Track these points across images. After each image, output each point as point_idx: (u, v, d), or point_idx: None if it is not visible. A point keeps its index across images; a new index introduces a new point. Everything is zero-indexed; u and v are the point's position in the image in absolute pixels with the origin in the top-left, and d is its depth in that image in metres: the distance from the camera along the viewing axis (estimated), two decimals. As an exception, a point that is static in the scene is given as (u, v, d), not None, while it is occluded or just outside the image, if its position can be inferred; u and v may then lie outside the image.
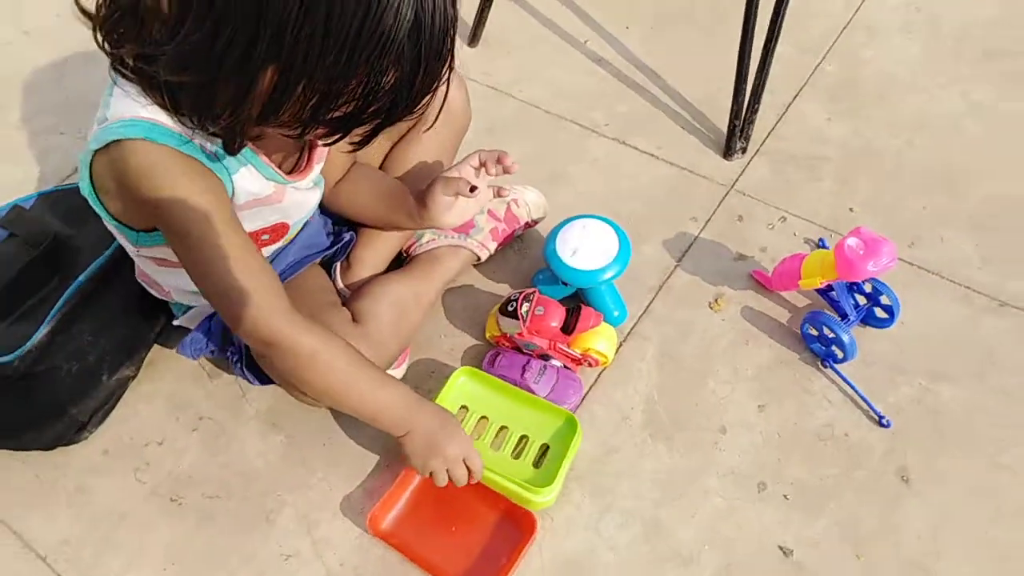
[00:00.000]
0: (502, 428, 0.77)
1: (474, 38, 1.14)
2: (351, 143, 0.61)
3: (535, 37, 1.16)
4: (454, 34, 0.56)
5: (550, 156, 1.00)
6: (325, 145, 0.65)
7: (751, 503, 0.73)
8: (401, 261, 0.87)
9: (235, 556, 0.73)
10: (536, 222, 0.91)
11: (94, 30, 0.59)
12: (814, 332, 0.81)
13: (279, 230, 0.75)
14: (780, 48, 0.97)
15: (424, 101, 0.58)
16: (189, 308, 0.81)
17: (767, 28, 0.94)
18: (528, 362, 0.79)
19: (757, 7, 0.92)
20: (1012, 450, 0.75)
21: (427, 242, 0.86)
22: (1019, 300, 0.84)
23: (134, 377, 0.83)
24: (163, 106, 0.60)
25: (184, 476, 0.78)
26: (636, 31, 1.15)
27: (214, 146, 0.63)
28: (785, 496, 0.74)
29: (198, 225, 0.62)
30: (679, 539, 0.72)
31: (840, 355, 0.79)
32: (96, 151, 0.61)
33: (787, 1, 0.92)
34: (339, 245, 0.83)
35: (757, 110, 0.99)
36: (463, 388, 0.79)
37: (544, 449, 0.75)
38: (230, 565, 0.72)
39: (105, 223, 0.69)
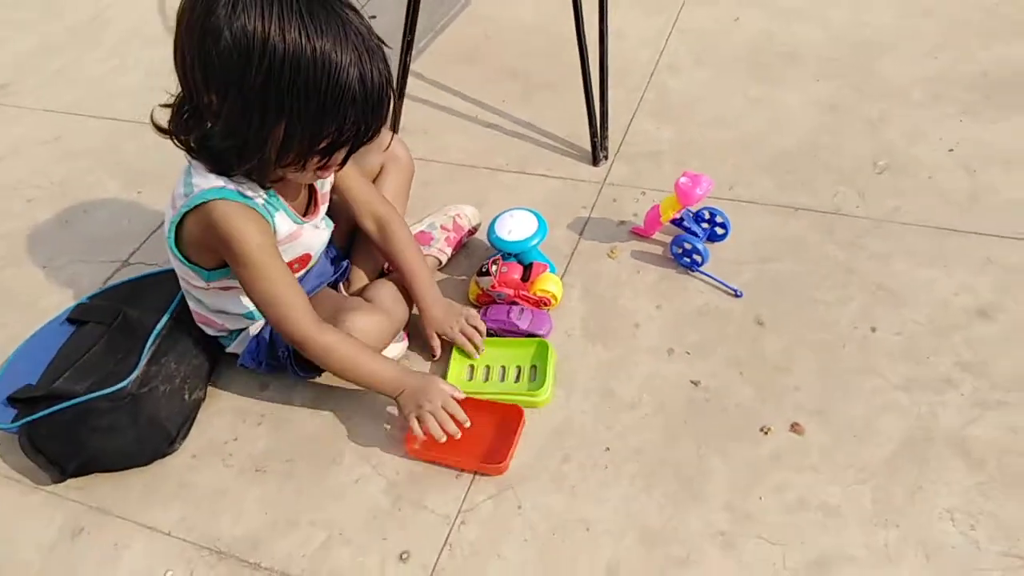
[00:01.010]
0: (502, 366, 1.07)
1: (395, 128, 1.51)
2: (339, 165, 0.92)
3: (439, 120, 1.54)
4: (390, 83, 0.87)
5: (472, 191, 1.35)
6: (320, 176, 0.94)
7: (665, 363, 1.06)
8: (381, 275, 1.19)
9: (317, 491, 0.98)
10: (475, 229, 1.26)
11: (170, 135, 0.92)
12: (679, 250, 1.17)
13: (304, 260, 1.05)
14: (613, 92, 1.39)
15: (377, 130, 0.89)
16: (236, 338, 1.09)
17: (598, 82, 1.36)
18: (510, 307, 1.11)
19: (589, 71, 1.33)
20: (822, 293, 1.11)
21: (401, 257, 1.19)
22: (806, 207, 1.24)
23: (203, 399, 1.09)
24: (219, 171, 0.91)
25: (261, 455, 1.03)
26: (511, 102, 1.56)
27: (262, 200, 0.94)
28: (687, 352, 1.07)
29: (256, 255, 0.92)
30: (625, 395, 1.03)
31: (700, 260, 1.15)
32: (186, 212, 0.92)
33: (606, 63, 1.35)
34: (339, 272, 1.15)
35: (607, 131, 1.39)
36: (465, 353, 1.09)
37: (534, 368, 1.06)
38: (315, 497, 0.98)
39: (181, 269, 0.99)
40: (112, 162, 1.57)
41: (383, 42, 0.87)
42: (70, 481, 1.02)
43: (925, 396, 0.98)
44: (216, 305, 1.05)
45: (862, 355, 1.03)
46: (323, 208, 1.06)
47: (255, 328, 1.07)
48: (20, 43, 2.00)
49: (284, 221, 0.98)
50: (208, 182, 0.91)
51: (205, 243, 0.95)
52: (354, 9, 0.85)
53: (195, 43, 0.82)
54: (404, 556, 0.92)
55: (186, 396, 1.04)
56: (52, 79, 1.86)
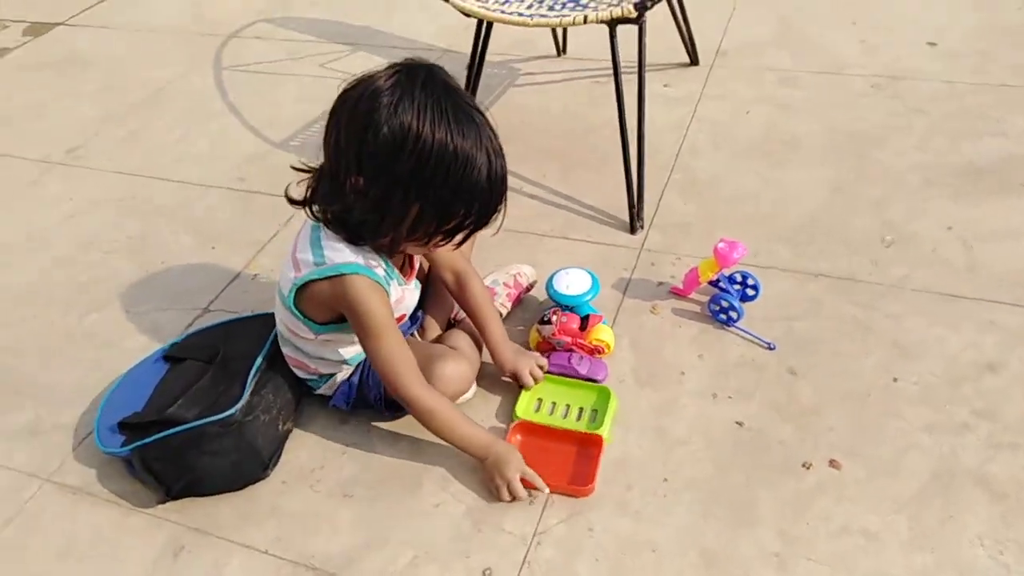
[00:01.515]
0: (567, 405, 1.19)
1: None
2: (455, 245, 1.05)
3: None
4: (506, 179, 1.03)
5: (524, 254, 1.49)
6: (439, 247, 1.06)
7: (711, 405, 1.18)
8: (450, 325, 1.31)
9: (402, 514, 1.07)
10: (532, 286, 1.40)
11: (305, 208, 1.05)
12: (717, 307, 1.31)
13: (400, 320, 1.17)
14: (646, 170, 1.57)
15: (495, 217, 1.04)
16: (325, 382, 1.19)
17: (636, 159, 1.54)
18: (570, 354, 1.23)
19: (629, 151, 1.51)
20: (844, 347, 1.25)
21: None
22: (824, 272, 1.39)
23: (291, 431, 1.18)
24: (351, 240, 1.03)
25: (347, 481, 1.12)
26: (550, 178, 1.73)
27: (382, 271, 1.07)
28: (729, 397, 1.19)
29: (382, 326, 1.04)
30: (677, 433, 1.15)
31: (736, 316, 1.29)
32: (316, 279, 1.03)
33: (643, 145, 1.53)
34: (415, 323, 1.27)
35: (643, 204, 1.56)
36: (535, 389, 1.21)
37: (594, 411, 1.18)
38: (400, 518, 1.07)
39: (292, 321, 1.11)
40: (184, 220, 1.70)
41: (500, 143, 1.02)
42: (168, 505, 1.10)
43: (946, 438, 1.11)
44: (316, 353, 1.16)
45: (886, 402, 1.17)
46: (416, 271, 1.19)
47: (344, 374, 1.18)
48: (86, 111, 2.16)
49: (395, 288, 1.11)
50: (341, 256, 1.03)
51: (330, 306, 1.07)
52: (484, 115, 1.00)
53: (355, 131, 0.95)
54: (487, 572, 1.00)
55: (280, 426, 1.14)
56: (120, 144, 2.00)
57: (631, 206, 1.54)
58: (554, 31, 2.12)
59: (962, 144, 1.67)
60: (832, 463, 1.09)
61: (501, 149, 1.01)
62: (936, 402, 1.16)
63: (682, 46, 2.03)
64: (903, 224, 1.49)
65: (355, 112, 0.95)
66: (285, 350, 1.18)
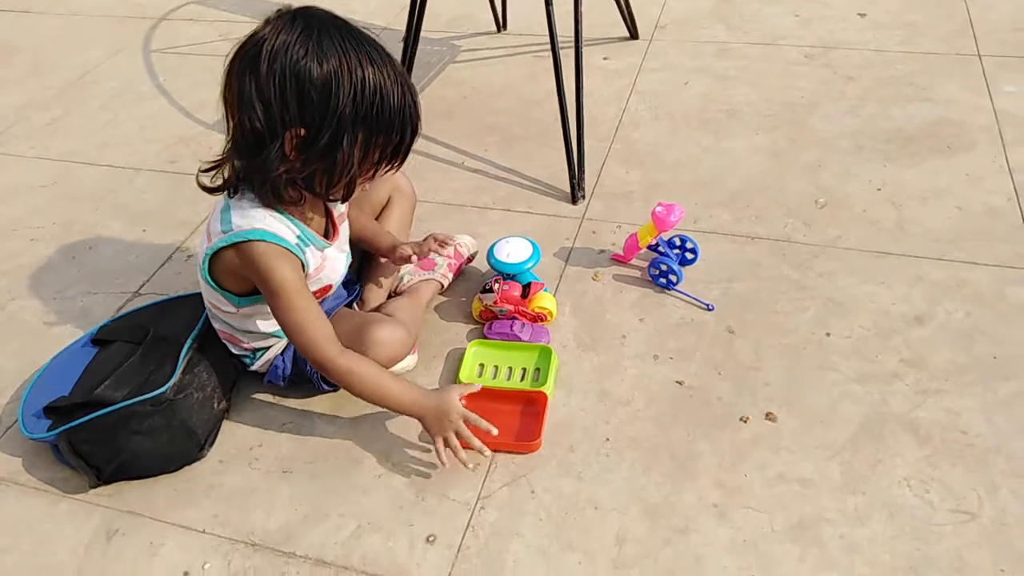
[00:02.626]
0: (510, 368, 1.19)
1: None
2: (399, 165, 1.04)
3: (427, 165, 1.68)
4: (417, 103, 1.01)
5: (466, 227, 1.48)
6: (388, 173, 1.06)
7: (652, 366, 1.19)
8: (391, 297, 1.29)
9: (343, 487, 1.06)
10: (473, 257, 1.39)
11: (226, 192, 1.02)
12: (656, 271, 1.32)
13: (326, 290, 1.15)
14: (587, 142, 1.57)
15: (410, 147, 1.03)
16: (259, 357, 1.16)
17: (575, 131, 1.54)
18: (512, 322, 1.23)
19: (568, 122, 1.51)
20: (781, 305, 1.28)
21: (407, 281, 1.30)
22: (761, 236, 1.42)
23: (227, 410, 1.15)
24: (272, 205, 1.01)
25: (286, 457, 1.10)
26: (492, 151, 1.72)
27: (295, 239, 1.04)
28: (670, 357, 1.21)
29: (288, 289, 1.01)
30: (619, 394, 1.15)
31: (675, 280, 1.30)
32: (225, 246, 1.00)
33: (583, 116, 1.53)
34: (353, 295, 1.25)
35: (584, 174, 1.56)
36: (477, 354, 1.21)
37: (537, 370, 1.18)
38: (341, 492, 1.05)
39: (212, 295, 1.09)
40: (112, 204, 1.64)
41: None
42: (99, 489, 1.07)
43: (876, 387, 1.14)
44: (243, 326, 1.13)
45: (820, 355, 1.19)
46: (343, 230, 1.17)
47: (278, 348, 1.16)
48: (9, 98, 2.07)
49: (313, 255, 1.08)
50: (248, 222, 1.00)
51: (242, 275, 1.04)
52: (387, 52, 0.99)
53: (285, 86, 0.92)
54: (431, 539, 0.99)
55: (215, 405, 1.11)
56: (44, 130, 1.92)
57: (572, 177, 1.54)
58: (493, 6, 2.11)
59: (891, 110, 1.71)
60: (768, 415, 1.11)
61: (410, 81, 1.02)
62: (867, 354, 1.19)
63: (622, 21, 2.04)
64: (836, 187, 1.52)
65: (272, 69, 0.92)
66: (216, 325, 1.15)
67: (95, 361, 1.13)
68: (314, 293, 1.09)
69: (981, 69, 1.80)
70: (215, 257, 1.04)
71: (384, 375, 1.08)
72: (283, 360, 1.15)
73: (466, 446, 1.05)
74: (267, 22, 0.95)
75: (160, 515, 1.04)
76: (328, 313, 1.15)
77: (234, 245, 1.01)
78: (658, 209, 1.28)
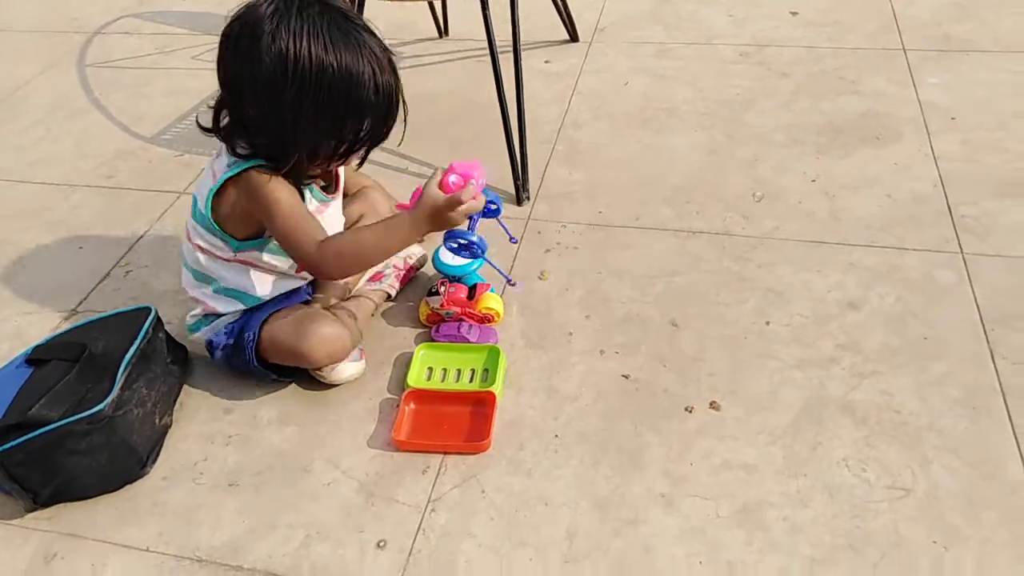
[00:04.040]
0: (458, 370, 1.19)
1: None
2: (358, 162, 1.11)
3: (373, 172, 1.66)
4: (399, 88, 1.05)
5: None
6: (341, 166, 1.11)
7: (599, 361, 1.21)
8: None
9: (291, 497, 1.05)
10: (421, 265, 1.39)
11: (217, 135, 1.05)
12: (455, 245, 1.12)
13: None
14: (530, 143, 1.58)
15: (390, 129, 1.07)
16: (209, 323, 1.18)
17: (518, 135, 1.55)
18: (459, 324, 1.23)
19: (510, 125, 1.52)
20: (722, 297, 1.30)
21: (358, 289, 1.30)
22: (701, 230, 1.45)
23: (170, 425, 1.13)
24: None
25: (232, 471, 1.09)
26: (438, 156, 1.72)
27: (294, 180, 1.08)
28: (616, 352, 1.22)
29: (286, 202, 1.05)
30: (567, 390, 1.17)
31: (479, 251, 1.12)
32: (228, 178, 1.04)
33: (524, 118, 1.55)
34: (309, 298, 1.24)
35: (528, 176, 1.58)
36: (425, 357, 1.21)
37: (485, 371, 1.18)
38: (289, 501, 1.04)
39: (210, 239, 1.11)
40: (47, 221, 1.60)
41: (392, 54, 1.05)
42: (37, 513, 1.04)
43: (815, 372, 1.17)
44: (226, 282, 1.15)
45: (761, 343, 1.22)
46: (341, 187, 1.20)
47: (231, 318, 1.17)
48: (-68, 117, 2.00)
49: (311, 200, 1.12)
50: (249, 156, 1.05)
51: (245, 209, 1.07)
52: (368, 30, 1.02)
53: (240, 63, 0.97)
54: (381, 544, 0.99)
55: (156, 420, 1.09)
56: (-29, 149, 1.86)
57: (516, 179, 1.55)
58: (434, 12, 2.12)
59: (822, 104, 1.77)
60: (712, 404, 1.14)
61: (390, 62, 1.03)
62: (806, 340, 1.22)
63: (562, 24, 2.06)
64: (772, 180, 1.56)
65: (238, 45, 0.98)
66: (189, 288, 1.19)
67: (29, 381, 1.09)
68: None
69: (906, 62, 1.87)
70: (219, 195, 1.07)
71: (367, 233, 1.09)
72: (226, 333, 1.16)
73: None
74: None
75: (102, 536, 1.01)
76: (286, 306, 1.18)
77: (237, 175, 1.04)
78: (451, 179, 1.09)
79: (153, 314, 1.17)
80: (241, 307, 1.17)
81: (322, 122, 1.00)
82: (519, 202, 1.55)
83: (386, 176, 1.65)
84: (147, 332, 1.13)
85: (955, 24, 2.00)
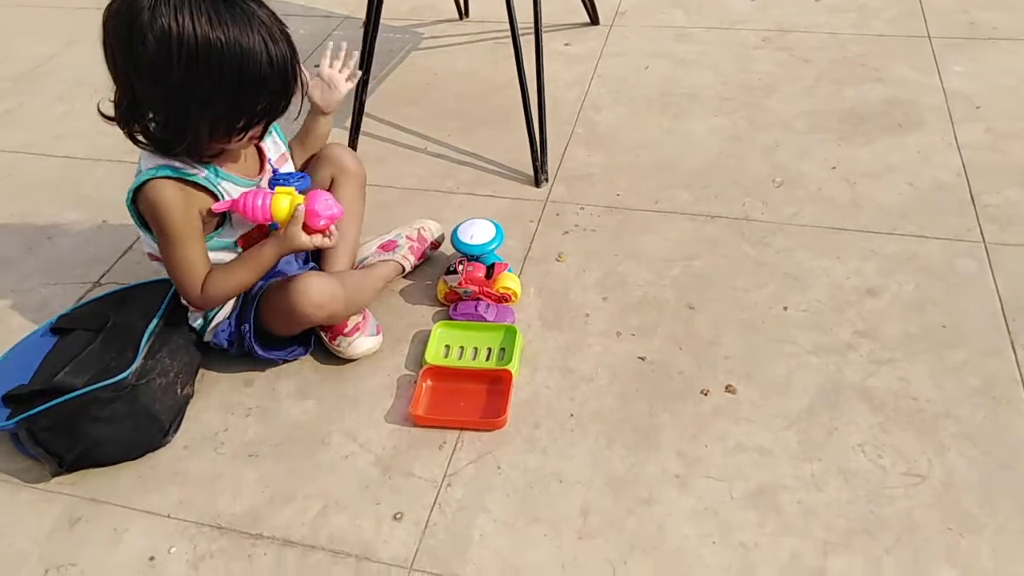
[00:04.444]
0: (475, 348, 1.20)
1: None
2: (258, 137, 1.08)
3: (391, 151, 1.68)
4: (293, 60, 1.01)
5: (428, 211, 1.48)
6: (251, 140, 1.07)
7: (615, 343, 1.21)
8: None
9: (309, 468, 1.06)
10: (438, 243, 1.39)
11: (117, 123, 1.03)
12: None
13: (262, 229, 1.14)
14: (550, 125, 1.58)
15: (288, 103, 1.03)
16: (208, 325, 1.17)
17: (537, 117, 1.55)
18: (477, 303, 1.24)
19: (530, 106, 1.52)
20: (739, 281, 1.30)
21: (367, 259, 1.30)
22: (720, 214, 1.44)
23: (192, 395, 1.15)
24: (163, 154, 1.03)
25: (252, 441, 1.10)
26: (455, 136, 1.72)
27: (204, 174, 1.05)
28: (632, 334, 1.23)
29: (173, 227, 1.05)
30: (583, 371, 1.17)
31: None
32: (134, 191, 1.04)
33: (544, 100, 1.54)
34: (308, 267, 1.25)
35: (547, 158, 1.57)
36: (443, 335, 1.22)
37: (502, 350, 1.19)
38: (307, 473, 1.06)
39: (152, 246, 1.10)
40: (70, 195, 1.62)
41: (285, 26, 1.01)
42: (61, 478, 1.06)
43: (831, 358, 1.17)
44: None
45: (778, 328, 1.22)
46: (265, 166, 1.17)
47: (226, 311, 1.17)
48: (-43, 91, 2.02)
49: (233, 188, 1.09)
50: (150, 163, 1.03)
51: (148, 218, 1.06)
52: (258, 2, 0.99)
53: (123, 46, 0.94)
54: (398, 516, 1.00)
55: (178, 391, 1.10)
56: (-3, 123, 1.88)
57: (535, 160, 1.55)
58: (455, -6, 2.11)
59: (845, 90, 1.75)
60: (728, 388, 1.14)
61: (282, 32, 1.00)
62: (823, 326, 1.22)
63: (583, 7, 2.05)
64: (792, 166, 1.55)
65: (118, 27, 0.94)
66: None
67: (54, 349, 1.12)
68: (251, 232, 1.12)
69: (931, 50, 1.85)
70: (133, 202, 1.07)
71: (229, 269, 1.10)
72: (229, 323, 1.16)
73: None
74: None
75: (124, 501, 1.03)
76: (277, 275, 1.17)
77: (139, 188, 1.04)
78: (322, 222, 1.09)
79: (174, 287, 1.18)
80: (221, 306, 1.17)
81: (216, 101, 0.96)
82: (537, 183, 1.55)
83: (405, 156, 1.66)
84: (169, 303, 1.15)
85: (981, 11, 1.97)
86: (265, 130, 1.08)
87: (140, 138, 1.03)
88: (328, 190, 1.29)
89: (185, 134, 1.00)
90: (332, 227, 1.10)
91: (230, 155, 1.10)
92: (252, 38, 0.95)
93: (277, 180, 1.12)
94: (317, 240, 1.09)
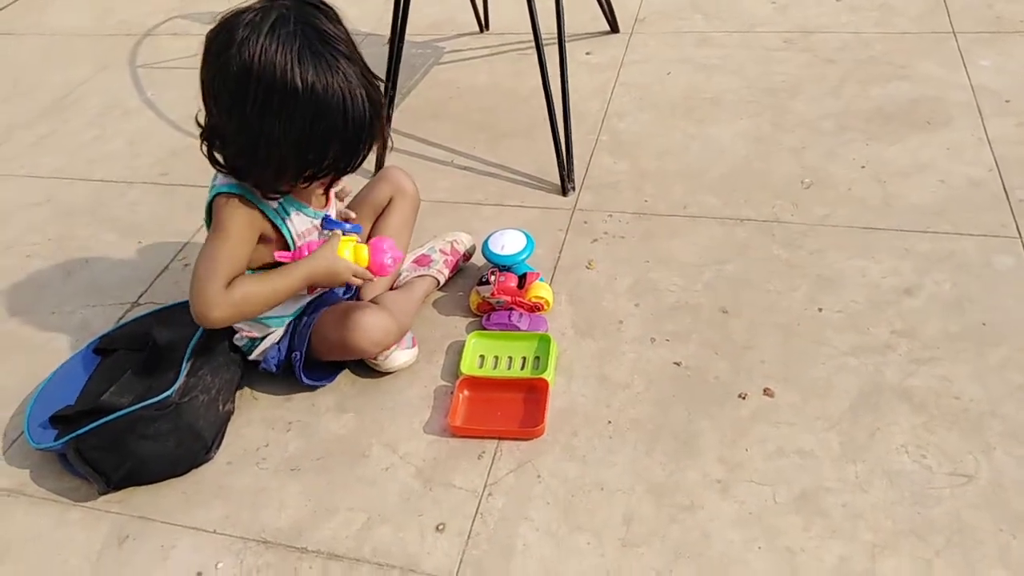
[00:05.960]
0: (510, 357, 1.20)
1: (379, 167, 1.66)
2: (323, 187, 1.09)
3: (418, 165, 1.70)
4: (373, 119, 0.99)
5: (460, 223, 1.49)
6: (320, 187, 1.09)
7: (649, 349, 1.21)
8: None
9: (351, 481, 1.07)
10: (470, 254, 1.40)
11: (200, 140, 1.05)
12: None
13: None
14: (575, 134, 1.58)
15: (357, 163, 1.03)
16: (257, 345, 1.18)
17: (563, 125, 1.56)
18: (510, 312, 1.24)
19: (555, 116, 1.53)
20: (772, 284, 1.30)
21: (403, 277, 1.31)
22: (749, 218, 1.44)
23: (233, 412, 1.16)
24: (235, 177, 1.05)
25: (293, 456, 1.11)
26: (481, 148, 1.73)
27: (275, 204, 1.07)
28: (667, 340, 1.22)
29: (225, 228, 1.05)
30: (618, 378, 1.17)
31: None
32: (208, 207, 1.07)
33: (568, 109, 1.55)
34: (350, 293, 1.26)
35: (573, 167, 1.58)
36: (477, 345, 1.23)
37: (537, 358, 1.20)
38: (349, 486, 1.06)
39: None
40: (106, 217, 1.65)
41: (376, 78, 1.01)
42: (108, 496, 1.07)
43: (870, 358, 1.16)
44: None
45: (814, 330, 1.21)
46: (332, 201, 1.19)
47: (274, 338, 1.18)
48: (-7, 119, 2.07)
49: (300, 219, 1.11)
50: (226, 180, 1.05)
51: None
52: (348, 56, 0.97)
53: (212, 70, 0.97)
54: (440, 527, 1.01)
55: (220, 407, 1.12)
56: (32, 149, 1.93)
57: (561, 169, 1.56)
58: (475, 7, 2.13)
59: (871, 89, 1.74)
60: (766, 391, 1.13)
61: (367, 93, 0.98)
62: (860, 326, 1.21)
63: (602, 16, 2.06)
64: (821, 167, 1.54)
65: (211, 51, 0.96)
66: None
67: (98, 370, 1.14)
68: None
69: (956, 45, 1.83)
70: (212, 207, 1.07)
71: (264, 279, 1.08)
72: (278, 349, 1.17)
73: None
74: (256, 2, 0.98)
75: (170, 518, 1.05)
76: (324, 303, 1.19)
77: (210, 204, 1.06)
78: (388, 259, 1.15)
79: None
80: (271, 329, 1.18)
81: (285, 144, 0.96)
82: (564, 192, 1.56)
83: (433, 170, 1.68)
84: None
85: (1007, 4, 1.95)
86: (333, 182, 1.07)
87: (218, 159, 1.04)
88: (383, 211, 1.32)
89: (253, 170, 1.01)
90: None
91: (302, 194, 1.10)
92: (332, 89, 0.94)
93: (331, 225, 1.15)
94: (359, 277, 1.12)
